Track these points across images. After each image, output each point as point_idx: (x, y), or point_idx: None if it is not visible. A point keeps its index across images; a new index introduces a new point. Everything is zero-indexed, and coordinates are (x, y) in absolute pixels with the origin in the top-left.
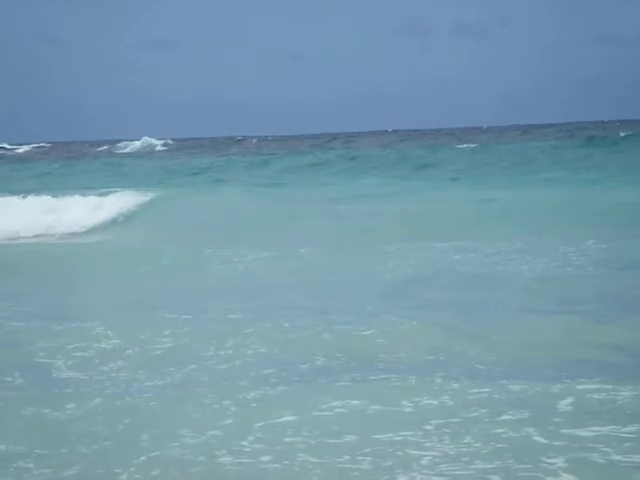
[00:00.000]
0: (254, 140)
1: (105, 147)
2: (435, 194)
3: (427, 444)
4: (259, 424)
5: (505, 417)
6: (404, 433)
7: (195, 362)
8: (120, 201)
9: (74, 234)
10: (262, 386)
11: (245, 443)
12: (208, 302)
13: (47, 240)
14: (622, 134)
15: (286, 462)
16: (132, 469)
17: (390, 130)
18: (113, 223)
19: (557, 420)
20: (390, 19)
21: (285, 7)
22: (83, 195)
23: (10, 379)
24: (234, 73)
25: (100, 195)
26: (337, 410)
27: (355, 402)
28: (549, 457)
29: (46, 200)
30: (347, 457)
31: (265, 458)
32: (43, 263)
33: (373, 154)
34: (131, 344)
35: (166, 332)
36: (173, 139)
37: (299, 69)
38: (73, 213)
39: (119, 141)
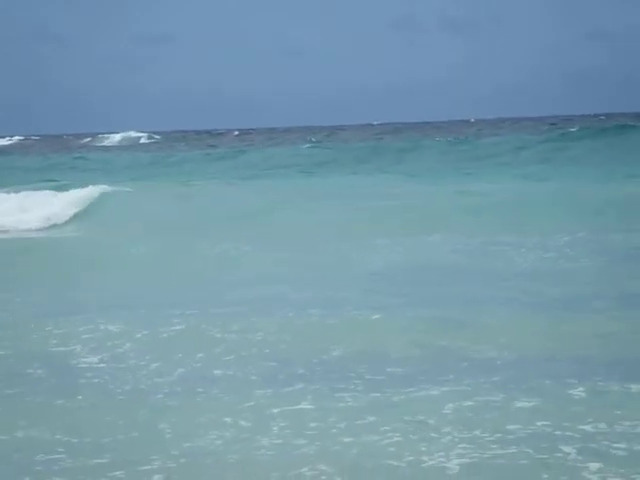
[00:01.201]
0: (235, 132)
1: (88, 139)
2: (413, 187)
3: (445, 429)
4: (277, 411)
5: (519, 405)
6: (420, 418)
7: (205, 354)
8: (88, 195)
9: (38, 229)
10: (275, 377)
11: (273, 430)
12: (204, 295)
13: (9, 236)
14: (607, 126)
15: (318, 443)
16: (164, 458)
17: (375, 123)
18: (82, 217)
19: (572, 409)
20: (383, 15)
21: (282, 4)
22: (46, 189)
23: (31, 370)
24: (232, 69)
25: (66, 189)
26: (354, 397)
27: (370, 389)
28: (566, 444)
29: (11, 197)
30: (376, 437)
31: (299, 442)
32: (18, 258)
33: (353, 147)
34: (140, 338)
35: (171, 326)
36: (159, 132)
37: (294, 64)
38: (34, 207)
39: (108, 134)
